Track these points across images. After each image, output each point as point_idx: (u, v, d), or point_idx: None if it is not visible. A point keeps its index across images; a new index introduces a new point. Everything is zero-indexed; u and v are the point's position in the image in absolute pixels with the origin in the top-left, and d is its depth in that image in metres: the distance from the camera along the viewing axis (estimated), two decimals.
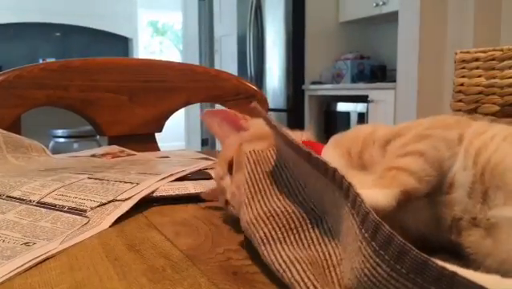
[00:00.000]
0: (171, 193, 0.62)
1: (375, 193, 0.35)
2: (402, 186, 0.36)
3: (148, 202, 0.59)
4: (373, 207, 0.28)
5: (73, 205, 0.55)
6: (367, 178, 0.40)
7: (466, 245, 0.36)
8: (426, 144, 0.39)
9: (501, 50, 1.00)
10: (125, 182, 0.63)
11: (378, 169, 0.40)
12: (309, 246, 0.36)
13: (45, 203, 0.56)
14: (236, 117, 0.51)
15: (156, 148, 1.13)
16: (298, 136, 0.52)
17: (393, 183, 0.36)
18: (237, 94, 1.20)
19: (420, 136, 0.40)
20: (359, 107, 3.51)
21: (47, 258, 0.41)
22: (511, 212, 0.34)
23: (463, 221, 0.37)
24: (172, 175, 0.68)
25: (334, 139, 0.49)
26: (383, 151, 0.42)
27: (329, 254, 0.34)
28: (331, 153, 0.46)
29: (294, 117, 4.00)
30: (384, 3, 3.50)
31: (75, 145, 3.78)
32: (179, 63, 1.27)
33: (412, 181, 0.37)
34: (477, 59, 1.04)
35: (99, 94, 1.07)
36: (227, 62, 4.81)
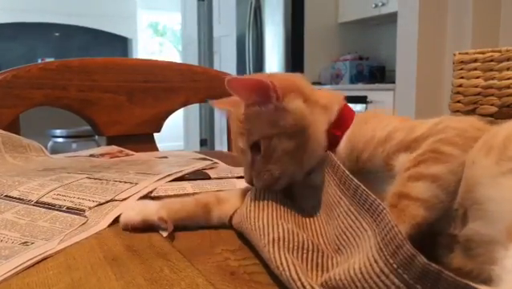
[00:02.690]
0: (169, 193, 0.62)
1: None
2: (413, 220, 0.36)
3: None
4: None
5: (71, 205, 0.55)
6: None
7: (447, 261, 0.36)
8: (442, 168, 0.38)
9: (500, 51, 1.00)
10: (124, 182, 0.63)
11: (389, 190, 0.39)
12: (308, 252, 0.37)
13: (43, 203, 0.56)
14: (267, 88, 0.46)
15: (155, 148, 1.13)
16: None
17: (404, 218, 0.36)
18: None
19: (437, 153, 0.39)
20: (358, 107, 3.50)
21: (45, 258, 0.41)
22: (477, 226, 0.34)
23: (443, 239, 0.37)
24: (170, 175, 0.69)
25: (352, 132, 0.48)
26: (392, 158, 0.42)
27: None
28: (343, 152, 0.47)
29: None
30: (383, 4, 3.50)
31: (74, 145, 3.77)
32: (178, 63, 1.27)
33: (422, 212, 0.36)
34: (475, 60, 1.04)
35: (97, 94, 1.07)
36: (226, 62, 4.81)
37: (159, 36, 7.66)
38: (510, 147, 0.35)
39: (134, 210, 0.49)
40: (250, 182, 0.49)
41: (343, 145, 0.48)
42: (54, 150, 3.54)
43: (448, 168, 0.38)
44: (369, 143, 0.45)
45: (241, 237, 0.46)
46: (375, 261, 0.28)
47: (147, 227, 0.48)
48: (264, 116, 0.47)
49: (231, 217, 0.48)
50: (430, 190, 0.37)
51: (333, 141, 0.48)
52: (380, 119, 0.48)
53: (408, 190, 0.37)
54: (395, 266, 0.26)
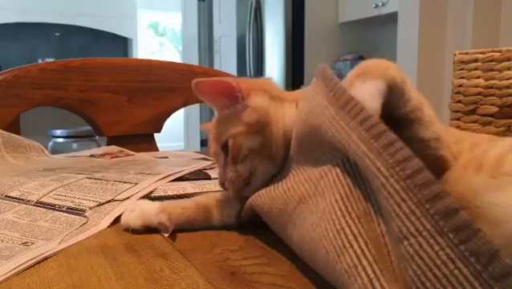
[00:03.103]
0: (169, 193, 0.62)
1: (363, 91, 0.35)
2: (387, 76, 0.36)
3: None
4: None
5: (72, 205, 0.55)
6: None
7: None
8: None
9: (500, 51, 1.00)
10: (124, 182, 0.63)
11: None
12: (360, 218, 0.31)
13: (43, 203, 0.56)
14: (232, 89, 0.47)
15: (155, 149, 1.13)
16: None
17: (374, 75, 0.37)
18: None
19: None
20: None
21: (46, 258, 0.41)
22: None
23: None
24: (170, 175, 0.69)
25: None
26: None
27: (381, 231, 0.30)
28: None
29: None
30: (383, 4, 3.50)
31: (74, 145, 3.78)
32: (178, 63, 1.27)
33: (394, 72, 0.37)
34: (475, 60, 1.04)
35: (98, 94, 1.07)
36: (226, 62, 4.81)
37: (159, 36, 7.66)
38: (504, 164, 0.35)
39: (134, 213, 0.49)
40: (223, 185, 0.49)
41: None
42: (55, 150, 3.54)
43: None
44: None
45: (242, 237, 0.46)
46: (403, 200, 0.26)
47: (147, 231, 0.48)
48: (232, 117, 0.47)
49: (239, 213, 0.48)
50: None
51: None
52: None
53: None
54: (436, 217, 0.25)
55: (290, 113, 0.47)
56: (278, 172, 0.46)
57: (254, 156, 0.46)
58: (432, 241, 0.25)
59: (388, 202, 0.27)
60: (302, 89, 0.50)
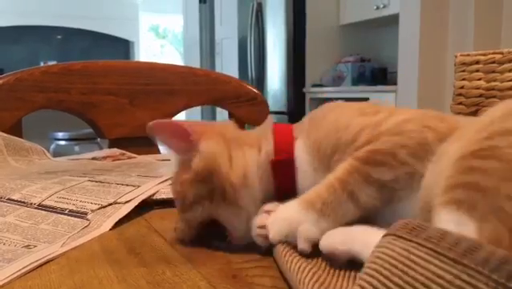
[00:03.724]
0: (171, 195, 0.62)
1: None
2: None
3: (148, 205, 0.59)
4: None
5: (74, 208, 0.55)
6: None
7: None
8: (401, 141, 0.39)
9: (502, 53, 1.00)
10: (126, 185, 0.63)
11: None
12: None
13: (45, 206, 0.56)
14: (185, 133, 0.45)
15: (157, 151, 1.13)
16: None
17: None
18: (237, 97, 1.20)
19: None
20: None
21: (48, 261, 0.41)
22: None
23: None
24: (172, 178, 0.68)
25: (310, 126, 0.46)
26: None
27: None
28: (302, 150, 0.45)
29: (295, 120, 3.95)
30: (384, 6, 3.50)
31: (76, 148, 3.78)
32: (179, 66, 1.27)
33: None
34: (477, 62, 1.04)
35: (99, 97, 1.07)
36: (228, 64, 4.81)
37: (160, 38, 7.67)
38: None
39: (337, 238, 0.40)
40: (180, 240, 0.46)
41: (302, 155, 0.45)
42: (57, 153, 3.54)
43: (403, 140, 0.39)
44: (336, 145, 0.42)
45: None
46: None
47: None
48: (186, 163, 0.44)
49: None
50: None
51: (284, 165, 0.45)
52: (340, 111, 0.46)
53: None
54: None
55: (247, 158, 0.44)
56: None
57: (207, 202, 0.43)
58: None
59: None
60: (260, 126, 0.49)
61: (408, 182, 0.38)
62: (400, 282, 0.24)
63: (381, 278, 0.26)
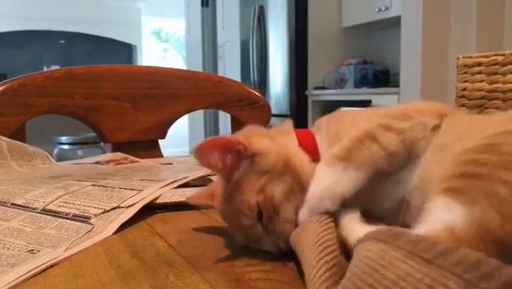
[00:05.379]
0: (174, 199, 0.62)
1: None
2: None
3: (151, 209, 0.60)
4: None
5: (77, 212, 0.55)
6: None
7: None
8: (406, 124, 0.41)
9: (504, 55, 1.00)
10: (129, 189, 0.63)
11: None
12: None
13: (49, 210, 0.56)
14: (231, 145, 0.43)
15: (160, 155, 1.13)
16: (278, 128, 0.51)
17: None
18: (240, 100, 1.20)
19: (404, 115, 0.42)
20: None
21: (52, 266, 0.42)
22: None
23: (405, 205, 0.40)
24: (175, 182, 0.69)
25: (328, 126, 0.48)
26: None
27: None
28: (323, 141, 0.47)
29: (298, 123, 3.97)
30: (386, 8, 3.50)
31: (80, 152, 3.79)
32: (181, 69, 1.28)
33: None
34: (479, 64, 1.04)
35: (102, 101, 1.08)
36: (230, 68, 4.82)
37: (163, 42, 7.69)
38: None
39: None
40: (279, 250, 0.43)
41: (323, 145, 0.47)
42: (61, 157, 3.55)
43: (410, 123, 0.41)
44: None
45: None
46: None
47: None
48: (245, 177, 0.43)
49: None
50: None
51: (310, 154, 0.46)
52: (353, 114, 0.49)
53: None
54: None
55: (291, 144, 0.47)
56: None
57: (292, 196, 0.42)
58: None
59: None
60: (282, 126, 0.51)
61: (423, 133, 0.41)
62: (370, 280, 0.25)
63: (353, 278, 0.26)
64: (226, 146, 0.43)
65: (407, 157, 0.40)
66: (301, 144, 0.47)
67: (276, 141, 0.46)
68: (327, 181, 0.39)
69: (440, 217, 0.30)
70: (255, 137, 0.45)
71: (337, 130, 0.47)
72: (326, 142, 0.47)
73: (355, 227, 0.37)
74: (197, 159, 0.43)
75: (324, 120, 0.50)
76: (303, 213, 0.40)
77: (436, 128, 0.41)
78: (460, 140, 0.37)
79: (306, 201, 0.40)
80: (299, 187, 0.42)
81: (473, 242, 0.28)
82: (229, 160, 0.43)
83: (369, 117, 0.45)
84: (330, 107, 3.94)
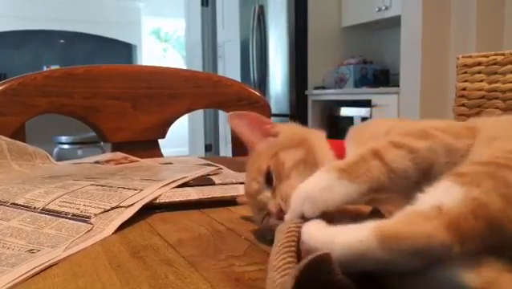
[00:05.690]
0: (174, 199, 0.62)
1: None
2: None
3: (151, 209, 0.60)
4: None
5: (77, 212, 0.55)
6: None
7: None
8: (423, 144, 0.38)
9: (503, 54, 1.00)
10: (128, 189, 0.63)
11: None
12: None
13: (49, 210, 0.56)
14: (261, 121, 0.50)
15: (160, 154, 1.13)
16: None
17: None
18: (239, 100, 1.20)
19: (424, 134, 0.39)
20: (363, 111, 3.50)
21: (51, 265, 0.42)
22: None
23: None
24: (175, 181, 0.69)
25: (355, 136, 0.49)
26: None
27: None
28: (351, 149, 0.47)
29: (298, 122, 3.99)
30: (386, 8, 3.50)
31: (80, 152, 3.79)
32: (181, 69, 1.28)
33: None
34: (479, 64, 1.04)
35: (102, 101, 1.08)
36: (230, 67, 4.82)
37: (163, 42, 7.69)
38: None
39: None
40: (280, 210, 0.42)
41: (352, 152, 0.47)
42: (61, 156, 3.55)
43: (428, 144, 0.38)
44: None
45: (246, 242, 0.46)
46: None
47: None
48: (267, 149, 0.47)
49: None
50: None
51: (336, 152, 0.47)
52: (377, 125, 0.50)
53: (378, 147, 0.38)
54: None
55: (317, 134, 0.50)
56: None
57: (302, 167, 0.43)
58: None
59: None
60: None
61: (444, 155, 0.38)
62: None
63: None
64: (256, 120, 0.50)
65: (421, 177, 0.37)
66: (331, 147, 0.47)
67: (305, 131, 0.50)
68: (318, 184, 0.37)
69: (434, 197, 0.29)
70: (285, 125, 0.51)
71: (363, 138, 0.46)
72: (353, 149, 0.46)
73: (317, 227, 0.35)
74: (230, 120, 0.51)
75: (352, 130, 0.50)
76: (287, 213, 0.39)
77: (467, 147, 0.38)
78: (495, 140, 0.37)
79: (292, 200, 0.38)
80: (313, 162, 0.44)
81: (463, 215, 0.27)
82: (256, 132, 0.50)
83: (387, 131, 0.44)
84: (330, 106, 3.96)
